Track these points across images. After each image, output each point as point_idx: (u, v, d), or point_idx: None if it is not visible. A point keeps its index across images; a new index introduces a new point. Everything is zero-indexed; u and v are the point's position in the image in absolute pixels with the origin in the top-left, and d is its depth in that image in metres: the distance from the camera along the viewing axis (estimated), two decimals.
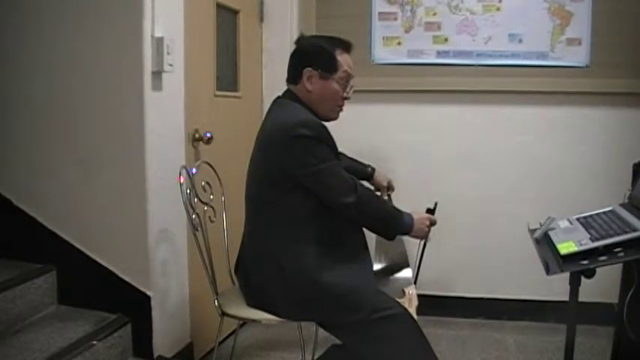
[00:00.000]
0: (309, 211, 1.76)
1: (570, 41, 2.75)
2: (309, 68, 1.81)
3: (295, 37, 2.89)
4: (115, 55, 2.00)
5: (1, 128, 2.18)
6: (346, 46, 1.86)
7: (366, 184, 2.18)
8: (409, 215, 1.86)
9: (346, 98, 1.88)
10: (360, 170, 2.20)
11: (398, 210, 1.87)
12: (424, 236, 1.90)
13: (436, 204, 1.97)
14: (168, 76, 2.07)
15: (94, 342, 1.90)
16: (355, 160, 2.21)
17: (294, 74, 1.86)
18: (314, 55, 1.83)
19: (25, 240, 2.16)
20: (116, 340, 2.00)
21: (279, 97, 1.90)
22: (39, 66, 2.09)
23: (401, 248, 2.06)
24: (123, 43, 1.98)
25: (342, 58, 1.84)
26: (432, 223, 1.90)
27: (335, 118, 1.89)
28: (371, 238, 1.93)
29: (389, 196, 2.26)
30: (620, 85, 2.71)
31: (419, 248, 2.01)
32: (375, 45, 2.90)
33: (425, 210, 1.95)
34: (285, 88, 1.93)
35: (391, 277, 1.89)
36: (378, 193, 2.22)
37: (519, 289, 2.89)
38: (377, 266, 1.97)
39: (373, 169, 2.22)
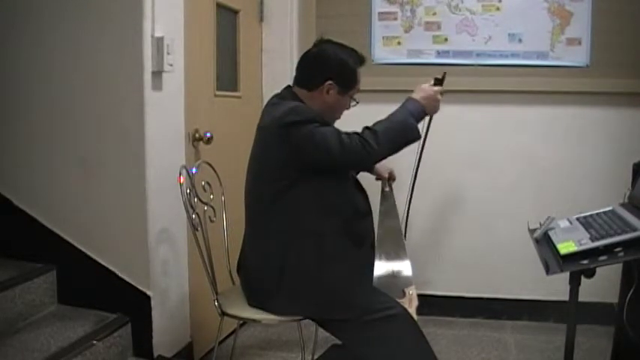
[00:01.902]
0: (310, 208, 1.76)
1: (570, 41, 2.75)
2: (331, 82, 1.81)
3: (295, 36, 2.95)
4: (115, 55, 2.00)
5: (1, 128, 2.18)
6: (363, 62, 1.88)
7: (367, 175, 2.18)
8: (413, 101, 1.80)
9: (347, 109, 1.91)
10: None
11: (401, 111, 1.78)
12: (437, 109, 1.84)
13: (444, 74, 1.88)
14: (168, 76, 2.07)
15: (94, 342, 1.90)
16: None
17: (311, 82, 1.83)
18: (338, 70, 1.82)
19: (25, 240, 2.16)
20: (116, 340, 2.00)
21: (275, 96, 1.89)
22: (39, 66, 2.09)
23: (399, 239, 2.07)
24: (123, 43, 1.98)
25: (359, 74, 1.86)
26: (440, 94, 1.85)
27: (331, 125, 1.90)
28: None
29: (390, 186, 2.26)
30: (620, 85, 2.71)
31: (423, 129, 1.90)
32: (375, 45, 2.90)
33: (433, 80, 1.87)
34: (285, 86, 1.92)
35: (391, 277, 1.89)
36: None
37: (519, 289, 2.88)
38: (378, 261, 1.97)
39: None
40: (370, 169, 2.22)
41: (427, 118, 1.88)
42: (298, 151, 1.71)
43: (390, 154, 1.77)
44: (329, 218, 1.77)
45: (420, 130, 1.81)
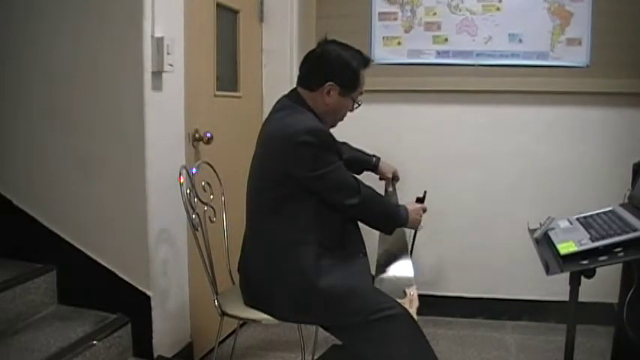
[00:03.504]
0: (310, 214, 1.75)
1: (570, 41, 2.75)
2: (332, 83, 1.79)
3: (295, 36, 2.95)
4: (115, 55, 2.00)
5: (1, 128, 2.18)
6: (367, 64, 1.85)
7: (371, 175, 2.18)
8: (404, 208, 1.93)
9: (350, 111, 1.90)
10: (364, 160, 2.20)
11: (396, 205, 1.95)
12: (417, 225, 1.98)
13: (425, 192, 2.08)
14: (168, 76, 2.07)
15: (94, 342, 1.90)
16: (359, 151, 2.21)
17: (312, 82, 1.82)
18: (339, 71, 1.80)
19: (25, 240, 2.16)
20: (116, 340, 2.00)
21: (284, 97, 1.88)
22: (39, 66, 2.09)
23: (401, 239, 2.08)
24: (123, 43, 1.98)
25: (363, 76, 1.84)
26: (424, 211, 2.00)
27: (334, 127, 1.90)
28: (372, 234, 1.94)
29: (394, 186, 2.26)
30: (620, 85, 2.71)
31: (410, 237, 2.10)
32: (375, 45, 2.90)
33: (415, 199, 2.05)
34: (285, 87, 1.92)
35: (392, 277, 1.89)
36: (383, 183, 2.25)
37: (519, 289, 2.88)
38: (379, 259, 1.98)
39: (378, 159, 2.22)
40: (374, 170, 2.22)
41: (412, 232, 2.06)
42: (306, 173, 1.71)
43: (361, 219, 1.87)
44: (326, 227, 1.77)
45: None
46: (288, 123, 1.75)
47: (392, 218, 1.89)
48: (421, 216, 1.97)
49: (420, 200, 2.05)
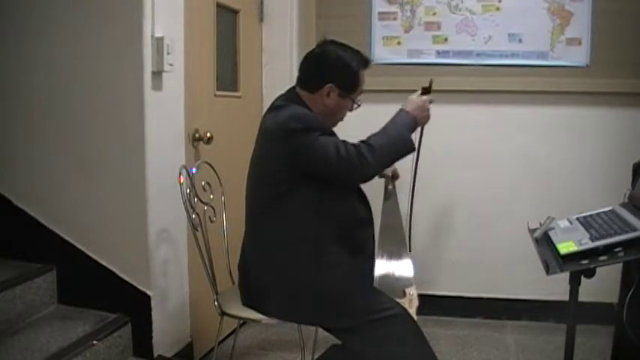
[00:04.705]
0: (309, 212, 1.75)
1: (570, 41, 2.75)
2: (332, 85, 1.79)
3: (295, 36, 2.95)
4: (115, 55, 2.00)
5: (1, 128, 2.18)
6: (367, 64, 1.84)
7: None
8: (405, 114, 1.82)
9: (350, 111, 1.89)
10: None
11: (396, 124, 1.81)
12: (428, 118, 1.87)
13: (431, 81, 1.91)
14: (168, 76, 2.07)
15: (94, 342, 1.90)
16: None
17: (311, 83, 1.81)
18: (339, 72, 1.79)
19: (25, 240, 2.16)
20: (116, 340, 2.00)
21: (280, 96, 1.88)
22: (39, 66, 2.09)
23: (400, 236, 2.07)
24: (123, 43, 1.99)
25: (362, 77, 1.83)
26: (430, 102, 1.88)
27: (334, 127, 1.89)
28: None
29: (394, 184, 2.26)
30: (620, 85, 2.71)
31: (416, 139, 1.93)
32: (375, 45, 2.90)
33: (420, 90, 1.89)
34: (285, 87, 1.92)
35: (392, 277, 1.89)
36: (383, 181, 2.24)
37: (519, 289, 2.88)
38: (379, 258, 1.97)
39: None
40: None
41: (419, 128, 1.91)
42: (297, 158, 1.70)
43: (385, 168, 1.81)
44: (327, 225, 1.75)
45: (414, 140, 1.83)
46: (278, 118, 1.75)
47: (401, 140, 1.77)
48: (429, 110, 1.85)
49: (426, 90, 1.88)
